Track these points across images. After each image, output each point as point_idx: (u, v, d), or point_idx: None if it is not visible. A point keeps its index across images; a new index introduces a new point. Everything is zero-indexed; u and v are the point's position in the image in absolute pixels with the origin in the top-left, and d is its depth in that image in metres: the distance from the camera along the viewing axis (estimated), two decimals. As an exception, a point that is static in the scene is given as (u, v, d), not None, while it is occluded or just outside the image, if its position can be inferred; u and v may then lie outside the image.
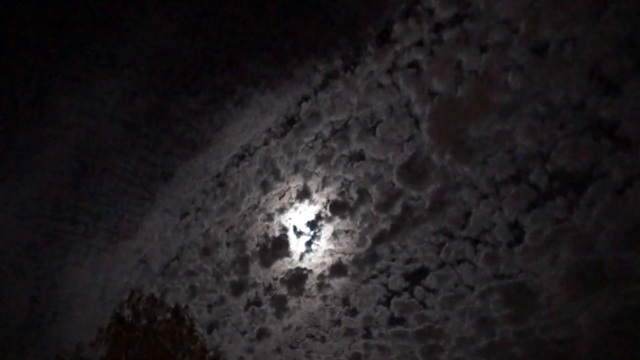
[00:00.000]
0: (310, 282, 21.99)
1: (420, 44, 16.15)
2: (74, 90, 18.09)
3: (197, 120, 19.16)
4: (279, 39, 16.22)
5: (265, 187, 20.42)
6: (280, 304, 22.45)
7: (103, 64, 17.85)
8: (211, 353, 16.26)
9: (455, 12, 15.20)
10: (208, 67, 18.06)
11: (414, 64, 16.66)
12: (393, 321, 21.74)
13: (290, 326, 22.91)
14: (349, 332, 22.39)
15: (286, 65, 16.60)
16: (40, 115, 18.49)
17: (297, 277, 22.02)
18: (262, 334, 22.87)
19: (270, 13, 16.19)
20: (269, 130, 19.18)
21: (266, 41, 16.60)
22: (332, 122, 18.59)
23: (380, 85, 17.25)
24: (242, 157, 20.08)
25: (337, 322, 22.74)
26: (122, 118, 18.94)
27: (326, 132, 18.86)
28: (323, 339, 22.92)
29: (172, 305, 16.29)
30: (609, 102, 15.28)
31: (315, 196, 20.39)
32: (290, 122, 18.98)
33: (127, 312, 15.64)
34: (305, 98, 18.02)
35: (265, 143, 19.51)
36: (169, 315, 15.98)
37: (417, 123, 17.54)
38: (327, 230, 21.04)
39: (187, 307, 16.47)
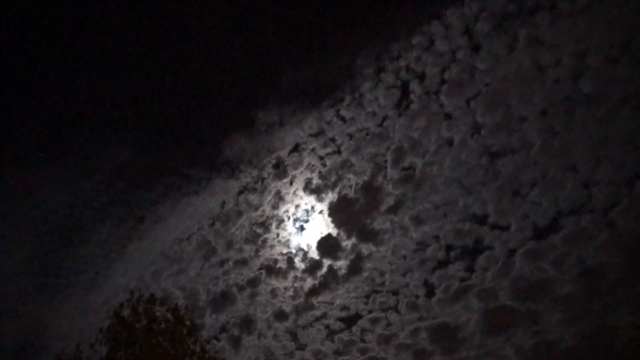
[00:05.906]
0: (260, 325, 25.13)
1: (310, 166, 19.26)
2: (54, 185, 22.37)
3: (154, 207, 23.02)
4: (208, 155, 19.83)
5: (205, 258, 23.66)
6: (236, 340, 25.43)
7: (76, 169, 22.07)
8: (211, 353, 16.02)
9: (332, 150, 18.15)
10: (158, 171, 21.97)
11: (308, 180, 19.84)
12: (340, 353, 25.10)
13: (249, 357, 26.79)
14: (303, 362, 26.17)
15: (210, 178, 20.21)
16: (29, 202, 22.79)
17: (247, 321, 25.08)
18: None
19: (203, 132, 19.60)
20: (200, 222, 22.82)
21: (198, 156, 20.24)
22: (251, 217, 21.90)
23: (286, 193, 20.45)
24: (181, 240, 23.68)
25: (291, 355, 26.49)
26: (94, 205, 23.13)
27: (248, 223, 22.15)
28: (282, 368, 26.70)
29: (172, 305, 16.05)
30: (475, 199, 18.01)
31: (250, 264, 23.71)
32: (217, 217, 22.55)
33: (127, 312, 15.37)
34: (226, 201, 21.39)
35: (199, 229, 23.05)
36: (169, 315, 15.72)
37: (322, 215, 20.59)
38: (265, 287, 24.25)
39: (187, 307, 16.35)
